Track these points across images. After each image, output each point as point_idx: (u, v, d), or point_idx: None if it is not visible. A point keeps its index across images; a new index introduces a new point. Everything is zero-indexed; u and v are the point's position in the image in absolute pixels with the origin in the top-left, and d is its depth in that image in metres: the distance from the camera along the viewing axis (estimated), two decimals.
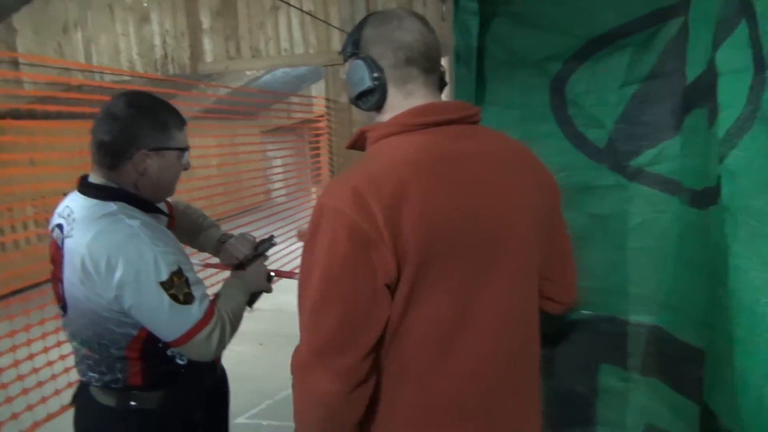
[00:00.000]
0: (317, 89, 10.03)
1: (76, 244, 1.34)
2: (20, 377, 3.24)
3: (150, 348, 1.39)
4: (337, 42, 5.35)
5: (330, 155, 6.20)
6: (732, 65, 1.04)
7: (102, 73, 5.75)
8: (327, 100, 5.87)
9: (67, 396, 2.04)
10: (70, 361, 2.74)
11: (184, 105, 5.05)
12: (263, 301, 1.68)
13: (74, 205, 1.41)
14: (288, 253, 5.88)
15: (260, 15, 5.68)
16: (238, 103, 7.29)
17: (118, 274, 1.29)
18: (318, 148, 7.51)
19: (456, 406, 1.04)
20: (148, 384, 1.42)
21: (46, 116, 4.34)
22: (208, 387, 1.60)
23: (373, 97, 1.09)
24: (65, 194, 1.49)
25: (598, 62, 1.51)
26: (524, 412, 1.15)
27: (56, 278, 1.43)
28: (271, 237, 1.75)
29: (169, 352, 1.42)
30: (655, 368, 1.50)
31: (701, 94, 1.24)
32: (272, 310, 4.71)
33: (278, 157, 9.29)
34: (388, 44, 1.06)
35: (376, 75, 1.07)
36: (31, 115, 4.39)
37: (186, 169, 1.51)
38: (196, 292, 1.37)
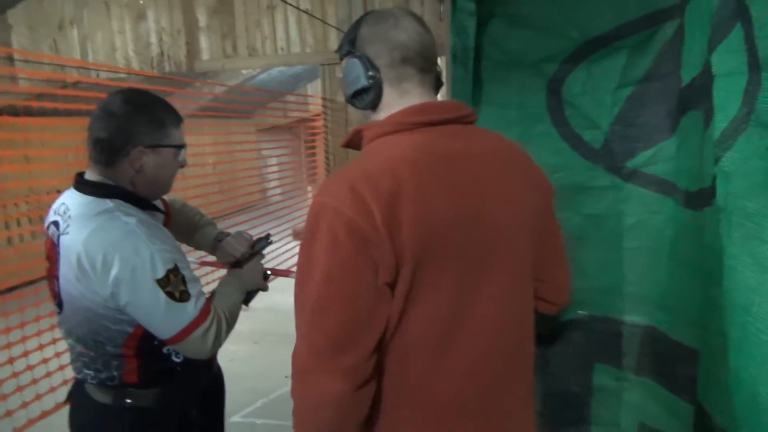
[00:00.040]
0: (313, 88, 10.03)
1: (72, 241, 1.33)
2: (15, 374, 3.23)
3: (146, 345, 1.39)
4: (334, 41, 5.35)
5: (326, 154, 6.20)
6: (727, 68, 1.04)
7: (98, 70, 5.73)
8: (323, 99, 5.87)
9: (62, 393, 2.04)
10: (66, 358, 2.73)
11: (179, 103, 5.04)
12: (258, 300, 1.68)
13: (70, 202, 1.41)
14: (284, 252, 5.88)
15: (257, 13, 5.67)
16: (234, 101, 7.27)
17: (114, 272, 1.29)
18: (314, 147, 7.50)
19: (456, 405, 1.04)
20: (144, 381, 1.42)
21: (43, 113, 4.33)
22: (204, 385, 1.60)
23: (368, 96, 1.09)
24: (59, 191, 1.48)
25: (594, 64, 1.52)
26: (520, 412, 1.16)
27: (52, 275, 1.42)
28: (268, 236, 1.75)
29: (164, 350, 1.42)
30: (649, 368, 1.51)
31: (696, 96, 1.25)
32: (267, 309, 4.71)
33: (274, 156, 9.27)
34: (384, 43, 1.07)
35: (371, 74, 1.07)
36: (28, 112, 4.37)
37: (182, 166, 1.51)
38: (192, 289, 1.37)
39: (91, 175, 1.43)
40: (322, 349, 0.95)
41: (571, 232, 1.52)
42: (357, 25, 1.12)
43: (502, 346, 1.09)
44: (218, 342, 1.42)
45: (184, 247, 1.62)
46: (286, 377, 3.81)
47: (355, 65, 1.08)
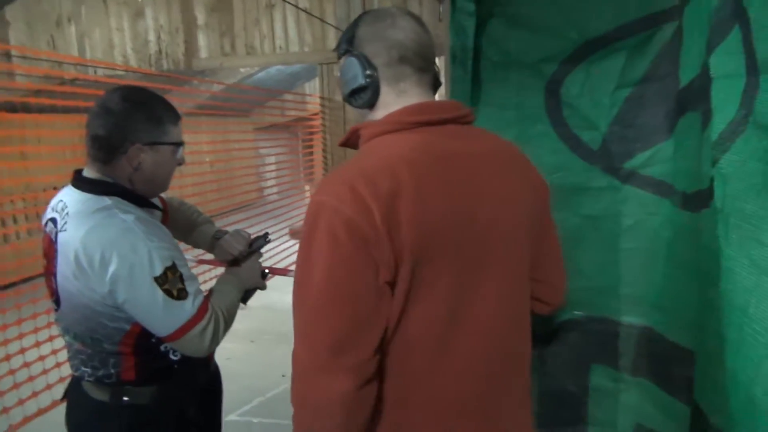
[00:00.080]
0: (311, 87, 10.03)
1: (70, 239, 1.33)
2: (11, 371, 3.22)
3: (143, 343, 1.39)
4: (332, 40, 5.35)
5: (324, 153, 6.20)
6: (725, 70, 1.05)
7: (95, 67, 5.72)
8: (321, 98, 5.87)
9: (59, 391, 2.04)
10: (62, 355, 2.73)
11: (177, 100, 5.03)
12: (255, 299, 1.68)
13: (68, 199, 1.41)
14: (281, 251, 5.88)
15: (255, 12, 5.67)
16: (232, 99, 7.26)
17: (111, 269, 1.29)
18: (311, 146, 7.50)
19: (457, 405, 1.05)
20: (142, 379, 1.41)
21: (41, 110, 4.32)
22: (202, 383, 1.59)
23: (365, 95, 1.09)
24: (56, 188, 1.48)
25: (593, 65, 1.52)
26: (517, 412, 1.16)
27: (49, 272, 1.42)
28: (266, 234, 1.75)
29: (162, 348, 1.42)
30: (645, 368, 1.52)
31: (694, 98, 1.25)
32: (264, 307, 4.72)
33: (271, 154, 9.26)
34: (381, 42, 1.07)
35: (368, 72, 1.07)
36: (26, 109, 4.36)
37: (180, 164, 1.51)
38: (190, 287, 1.37)
39: (89, 173, 1.43)
40: (324, 348, 0.94)
41: (568, 233, 1.53)
42: (355, 24, 1.12)
43: (500, 346, 1.09)
44: (216, 340, 1.42)
45: (182, 245, 1.62)
46: (283, 376, 3.83)
47: (353, 64, 1.08)
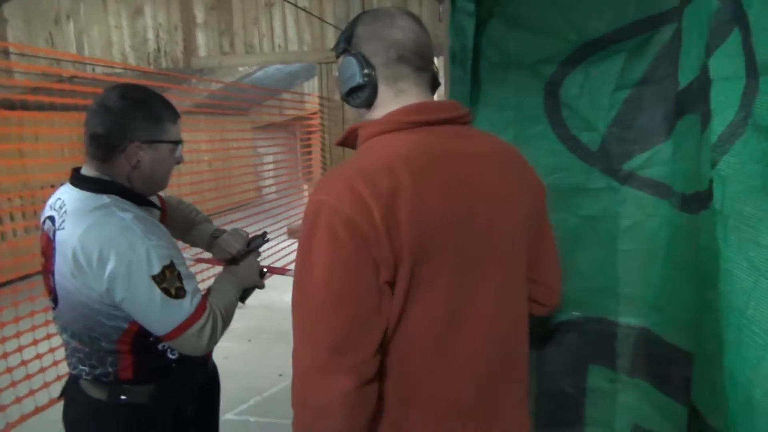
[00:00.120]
0: (309, 87, 10.02)
1: (68, 237, 1.33)
2: (9, 370, 3.22)
3: (141, 342, 1.39)
4: (331, 39, 5.35)
5: (322, 153, 6.20)
6: (725, 72, 1.05)
7: (94, 65, 5.71)
8: (320, 97, 5.87)
9: (57, 389, 2.03)
10: (60, 354, 2.73)
11: (176, 99, 5.03)
12: (253, 298, 1.68)
13: (66, 197, 1.40)
14: (279, 250, 5.88)
15: (255, 10, 5.67)
16: (230, 98, 7.26)
17: (109, 267, 1.29)
18: (309, 146, 7.50)
19: (457, 405, 1.05)
20: (139, 378, 1.41)
21: (39, 107, 4.31)
22: (199, 382, 1.59)
23: (363, 94, 1.09)
24: (54, 186, 1.48)
25: (592, 66, 1.52)
26: (515, 412, 1.16)
27: (47, 270, 1.42)
28: (264, 233, 1.75)
29: (160, 347, 1.42)
30: (643, 369, 1.52)
31: (693, 100, 1.26)
32: (262, 306, 4.71)
33: (270, 153, 9.26)
34: (379, 41, 1.07)
35: (366, 72, 1.07)
36: (24, 106, 4.36)
37: (179, 162, 1.51)
38: (188, 286, 1.37)
39: (87, 171, 1.42)
40: (324, 349, 0.94)
41: (567, 234, 1.53)
42: (354, 23, 1.12)
43: (499, 346, 1.09)
44: (214, 339, 1.42)
45: (180, 244, 1.62)
46: (281, 375, 3.84)
47: (351, 63, 1.08)
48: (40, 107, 4.31)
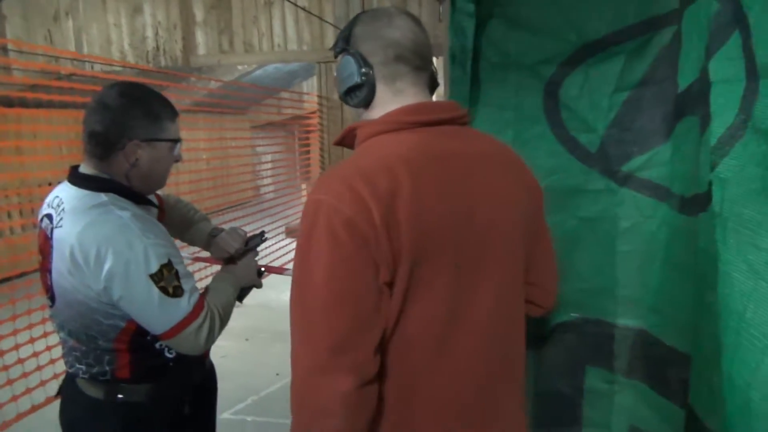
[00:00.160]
0: (308, 86, 10.02)
1: (66, 235, 1.33)
2: (5, 367, 3.22)
3: (138, 340, 1.39)
4: (330, 39, 5.35)
5: (321, 152, 6.20)
6: (725, 75, 1.05)
7: (92, 62, 5.70)
8: (319, 97, 5.87)
9: (53, 387, 2.03)
10: (57, 352, 2.72)
11: (174, 97, 5.03)
12: (250, 297, 1.68)
13: (64, 195, 1.40)
14: (277, 249, 5.88)
15: (254, 9, 5.67)
16: (229, 97, 7.25)
17: (107, 266, 1.29)
18: (308, 145, 7.49)
19: (457, 405, 1.05)
20: (136, 377, 1.41)
21: (38, 105, 4.30)
22: (197, 381, 1.59)
23: (361, 93, 1.09)
24: (51, 184, 1.48)
25: (591, 68, 1.52)
26: (513, 413, 1.16)
27: (44, 269, 1.42)
28: (262, 232, 1.75)
29: (157, 345, 1.42)
30: (640, 371, 1.52)
31: (693, 102, 1.26)
32: (259, 305, 4.71)
33: (268, 152, 9.25)
34: (377, 41, 1.07)
35: (364, 71, 1.07)
36: (22, 103, 4.34)
37: (178, 160, 1.50)
38: (186, 285, 1.37)
39: (85, 169, 1.42)
40: (324, 349, 0.93)
41: (565, 235, 1.53)
42: (352, 23, 1.12)
43: (497, 346, 1.09)
44: (211, 338, 1.41)
45: (178, 243, 1.61)
46: (278, 374, 3.83)
47: (349, 62, 1.08)
48: (39, 104, 4.30)
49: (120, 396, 1.41)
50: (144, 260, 1.31)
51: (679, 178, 1.36)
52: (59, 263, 1.35)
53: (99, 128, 1.37)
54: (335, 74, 1.15)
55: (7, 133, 4.75)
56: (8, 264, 3.73)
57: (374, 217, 0.92)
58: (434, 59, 1.22)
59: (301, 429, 0.97)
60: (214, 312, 1.42)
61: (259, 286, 1.68)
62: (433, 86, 1.15)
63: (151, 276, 1.31)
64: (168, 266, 1.34)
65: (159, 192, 1.66)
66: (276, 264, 5.25)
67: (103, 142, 1.38)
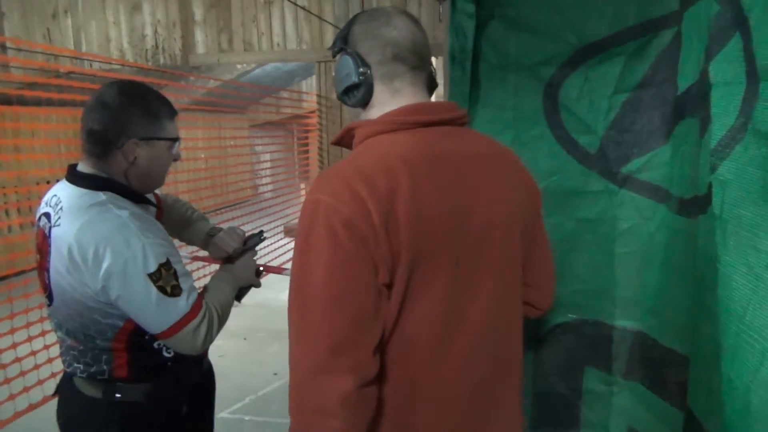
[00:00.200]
0: (307, 85, 10.01)
1: (64, 234, 1.32)
2: (2, 366, 3.21)
3: (137, 340, 1.38)
4: (330, 38, 5.35)
5: (320, 152, 6.20)
6: (725, 77, 1.05)
7: (91, 61, 5.69)
8: (318, 96, 5.86)
9: (51, 386, 2.02)
10: (54, 351, 2.71)
11: (173, 96, 5.02)
12: (247, 297, 1.68)
13: (62, 194, 1.40)
14: (275, 249, 5.87)
15: (253, 8, 5.66)
16: (228, 96, 7.25)
17: (105, 264, 1.28)
18: (307, 144, 7.49)
19: (457, 406, 1.05)
20: (134, 376, 1.41)
21: (36, 103, 4.30)
22: (195, 381, 1.59)
23: (358, 93, 1.09)
24: (49, 182, 1.47)
25: (591, 69, 1.52)
26: (511, 413, 1.16)
27: (42, 267, 1.41)
28: (261, 232, 1.74)
29: (155, 345, 1.41)
30: (639, 372, 1.52)
31: (693, 104, 1.26)
32: (257, 305, 4.70)
33: (267, 152, 9.24)
34: (375, 40, 1.06)
35: (362, 70, 1.07)
36: (21, 101, 4.34)
37: (176, 159, 1.50)
38: (184, 284, 1.36)
39: (83, 167, 1.42)
40: (324, 349, 0.92)
41: (564, 236, 1.54)
42: (350, 22, 1.12)
43: (496, 346, 1.09)
44: (209, 338, 1.41)
45: (176, 242, 1.61)
46: (275, 374, 3.82)
47: (347, 62, 1.08)
48: (37, 103, 4.29)
49: (118, 395, 1.41)
50: (142, 259, 1.30)
51: (679, 180, 1.36)
52: (57, 262, 1.35)
53: (97, 127, 1.37)
54: (333, 74, 1.14)
55: (5, 131, 4.75)
56: (6, 262, 3.72)
57: (373, 217, 0.92)
58: (434, 59, 1.22)
59: (301, 430, 0.96)
60: (212, 311, 1.42)
61: (257, 285, 1.68)
62: (431, 86, 1.15)
63: (150, 275, 1.31)
64: (166, 265, 1.33)
65: (157, 191, 1.66)
66: (274, 263, 5.25)
67: (101, 141, 1.37)
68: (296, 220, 1.00)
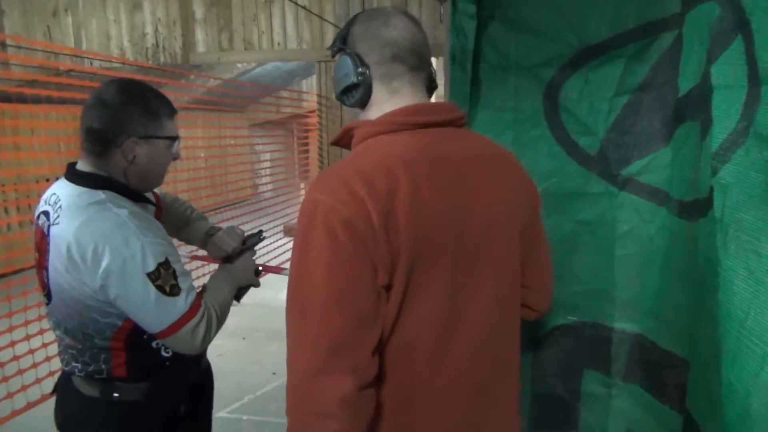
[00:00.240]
0: (307, 85, 10.01)
1: (63, 232, 1.32)
2: (0, 364, 3.20)
3: (135, 339, 1.38)
4: (330, 38, 5.35)
5: (320, 151, 6.19)
6: (727, 80, 1.05)
7: (91, 59, 5.69)
8: (319, 96, 5.86)
9: (49, 385, 2.02)
10: (53, 349, 2.71)
11: (173, 95, 5.02)
12: (246, 296, 1.67)
13: (61, 192, 1.39)
14: (274, 249, 5.87)
15: (254, 7, 5.66)
16: (228, 95, 7.25)
17: (104, 263, 1.28)
18: (307, 144, 7.49)
19: (457, 406, 1.04)
20: (133, 376, 1.40)
21: (36, 100, 4.29)
22: (193, 380, 1.58)
23: (357, 93, 1.08)
24: (48, 180, 1.47)
25: (592, 71, 1.52)
26: (509, 414, 1.16)
27: (41, 266, 1.41)
28: (260, 231, 1.74)
29: (154, 344, 1.41)
30: (638, 375, 1.52)
31: (694, 107, 1.25)
32: (256, 305, 4.70)
33: (266, 151, 9.24)
34: (374, 40, 1.06)
35: (361, 70, 1.06)
36: (20, 99, 4.33)
37: (176, 158, 1.50)
38: (183, 284, 1.36)
39: (83, 166, 1.41)
40: (323, 349, 0.92)
41: (564, 238, 1.53)
42: (350, 22, 1.12)
43: (494, 347, 1.09)
44: (208, 337, 1.41)
45: (175, 242, 1.61)
46: (274, 374, 3.82)
47: (346, 62, 1.08)
48: (37, 100, 4.28)
49: (116, 395, 1.40)
50: (141, 258, 1.30)
51: (679, 183, 1.36)
52: (56, 261, 1.34)
53: (97, 125, 1.36)
54: (333, 74, 1.14)
55: (4, 129, 4.74)
56: (4, 260, 3.72)
57: (373, 218, 0.92)
58: (434, 60, 1.22)
59: (298, 431, 0.96)
60: (211, 311, 1.42)
61: (256, 285, 1.67)
62: (431, 87, 1.15)
63: (148, 274, 1.30)
64: (165, 265, 1.33)
65: (156, 190, 1.65)
66: (274, 263, 5.25)
67: (101, 139, 1.37)
68: (296, 220, 1.00)
